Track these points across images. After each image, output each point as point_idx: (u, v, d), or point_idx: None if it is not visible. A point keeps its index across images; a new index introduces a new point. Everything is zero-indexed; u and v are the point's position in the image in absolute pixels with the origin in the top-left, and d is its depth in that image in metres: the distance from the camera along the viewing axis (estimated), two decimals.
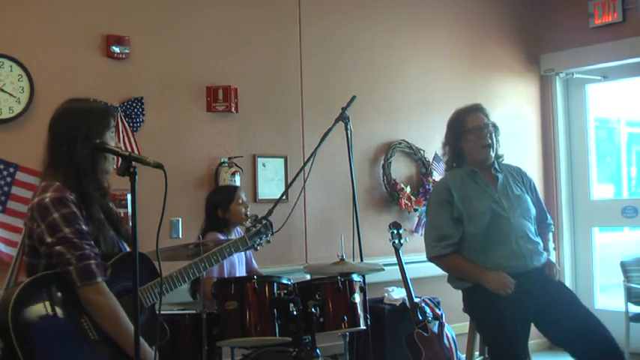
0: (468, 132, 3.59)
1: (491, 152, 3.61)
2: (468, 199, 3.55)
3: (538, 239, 3.60)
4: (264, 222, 3.27)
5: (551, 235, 3.80)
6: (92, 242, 2.42)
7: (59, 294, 2.37)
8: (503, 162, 3.75)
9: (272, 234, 3.31)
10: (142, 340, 2.36)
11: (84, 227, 2.41)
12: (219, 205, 3.98)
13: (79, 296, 2.36)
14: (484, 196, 3.56)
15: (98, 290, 2.37)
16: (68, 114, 2.55)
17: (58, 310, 2.35)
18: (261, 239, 3.26)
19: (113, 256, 2.52)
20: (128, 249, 2.63)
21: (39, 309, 2.32)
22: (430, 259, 3.64)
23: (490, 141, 3.59)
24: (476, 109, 3.67)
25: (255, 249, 3.29)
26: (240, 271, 3.95)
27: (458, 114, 3.69)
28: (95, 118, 2.53)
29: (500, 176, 3.64)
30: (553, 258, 3.67)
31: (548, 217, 3.84)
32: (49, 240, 2.37)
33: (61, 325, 2.34)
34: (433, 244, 3.59)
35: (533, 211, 3.64)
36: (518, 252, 3.48)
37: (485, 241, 3.50)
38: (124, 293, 2.48)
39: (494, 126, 3.66)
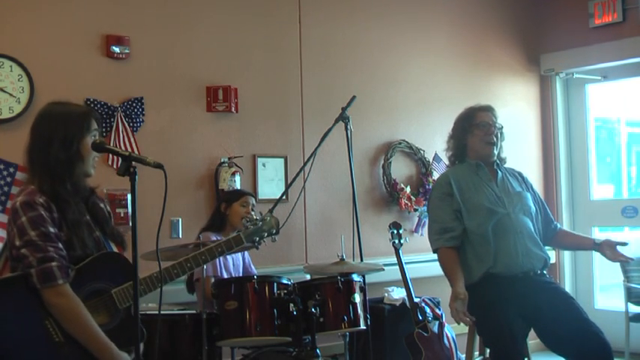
0: (476, 126, 3.69)
1: (495, 150, 3.71)
2: (467, 192, 3.61)
3: (538, 237, 3.62)
4: (267, 218, 3.05)
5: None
6: (59, 245, 2.39)
7: (22, 296, 2.35)
8: (504, 165, 3.83)
9: (276, 232, 3.10)
10: (110, 343, 2.38)
11: (51, 230, 2.39)
12: (225, 200, 4.02)
13: (42, 299, 2.35)
14: (484, 190, 3.62)
15: (59, 292, 2.35)
16: (47, 117, 2.53)
17: (21, 313, 2.35)
18: (261, 237, 3.04)
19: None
20: (115, 249, 2.60)
21: (0, 313, 2.32)
22: (434, 251, 3.66)
23: (495, 139, 3.70)
24: (487, 109, 3.79)
25: (257, 248, 3.09)
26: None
27: (469, 110, 3.81)
28: (73, 121, 2.50)
29: (500, 172, 3.73)
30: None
31: (554, 220, 3.88)
32: (17, 243, 2.38)
33: (24, 328, 2.33)
34: (436, 237, 3.61)
35: (533, 208, 3.69)
36: (514, 249, 3.51)
37: (485, 235, 3.53)
38: (93, 295, 2.45)
39: (501, 129, 3.76)
